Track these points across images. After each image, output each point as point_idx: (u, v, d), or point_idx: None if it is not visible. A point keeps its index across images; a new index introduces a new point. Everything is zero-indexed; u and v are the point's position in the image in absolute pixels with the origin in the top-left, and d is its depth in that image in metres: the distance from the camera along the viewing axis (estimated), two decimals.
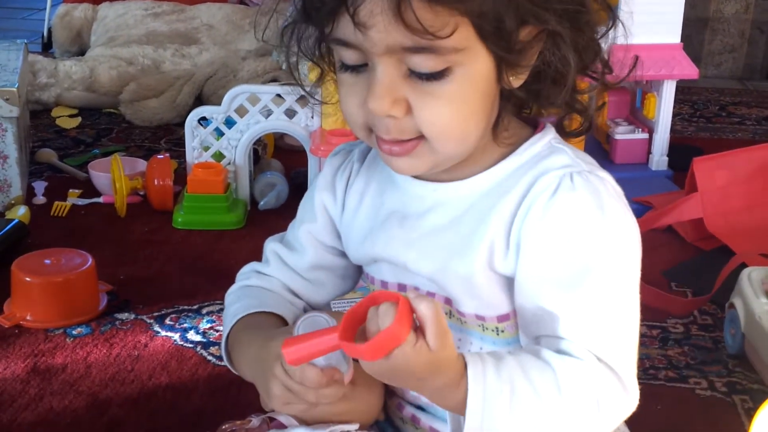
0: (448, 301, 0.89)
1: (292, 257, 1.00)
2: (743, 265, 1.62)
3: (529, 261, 0.82)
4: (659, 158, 2.29)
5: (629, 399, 0.81)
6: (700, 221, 1.91)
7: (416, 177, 0.89)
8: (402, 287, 0.92)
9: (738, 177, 1.94)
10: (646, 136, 2.30)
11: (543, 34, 0.80)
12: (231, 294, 1.02)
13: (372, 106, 0.79)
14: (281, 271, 1.01)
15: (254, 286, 1.00)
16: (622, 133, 2.28)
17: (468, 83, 0.79)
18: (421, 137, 0.81)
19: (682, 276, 1.80)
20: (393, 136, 0.81)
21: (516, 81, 0.82)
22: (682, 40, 2.26)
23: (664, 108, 2.26)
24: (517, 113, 0.88)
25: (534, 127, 0.90)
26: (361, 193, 0.94)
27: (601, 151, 2.33)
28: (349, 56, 0.79)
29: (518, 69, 0.81)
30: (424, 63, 0.77)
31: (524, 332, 0.86)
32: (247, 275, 1.03)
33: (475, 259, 0.84)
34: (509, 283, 0.85)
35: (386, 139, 0.82)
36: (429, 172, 0.85)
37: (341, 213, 0.96)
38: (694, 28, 3.43)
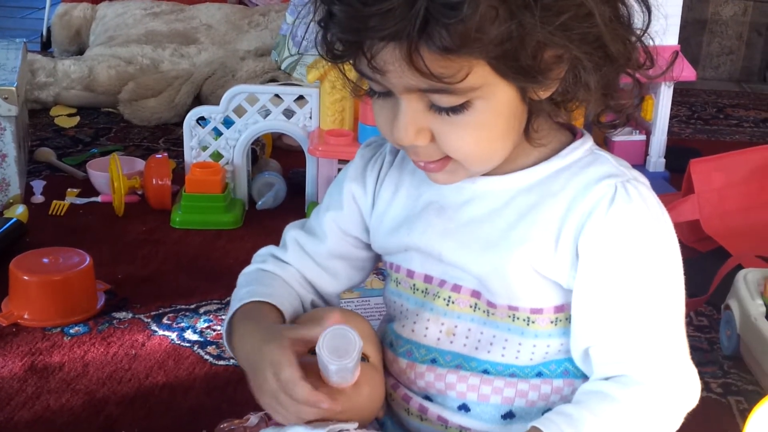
0: (475, 293, 0.91)
1: (312, 243, 1.02)
2: (739, 267, 1.62)
3: (590, 272, 0.86)
4: (656, 160, 2.30)
5: (693, 394, 0.87)
6: (697, 223, 1.91)
7: None
8: (429, 278, 0.94)
9: (735, 179, 1.95)
10: (643, 137, 2.30)
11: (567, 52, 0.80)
12: (244, 275, 1.03)
13: (396, 136, 0.83)
14: (298, 258, 1.02)
15: (268, 272, 1.02)
16: (620, 135, 2.28)
17: (490, 112, 0.81)
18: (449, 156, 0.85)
19: None
20: (422, 159, 0.86)
21: (545, 93, 0.83)
22: (680, 42, 2.26)
23: (661, 110, 2.26)
24: (550, 116, 0.89)
25: (571, 131, 0.92)
26: (396, 183, 0.96)
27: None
28: (375, 85, 0.83)
29: (546, 83, 0.82)
30: (443, 100, 0.80)
31: (576, 336, 0.89)
32: (263, 257, 1.04)
33: (512, 252, 0.87)
34: (549, 283, 0.88)
35: (416, 160, 0.87)
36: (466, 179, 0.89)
37: (371, 204, 0.98)
38: (692, 30, 3.44)
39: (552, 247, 0.87)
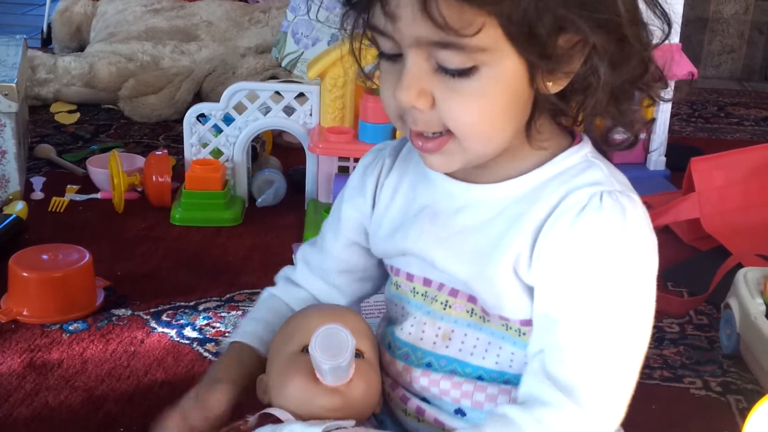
0: (472, 299, 0.90)
1: (317, 260, 1.04)
2: (739, 266, 1.62)
3: (544, 274, 0.84)
4: (657, 158, 2.29)
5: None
6: (697, 221, 1.91)
7: (449, 175, 0.90)
8: (428, 281, 0.93)
9: (735, 177, 1.94)
10: (643, 135, 2.29)
11: (586, 43, 0.79)
12: (260, 298, 1.07)
13: (398, 95, 0.81)
14: (305, 278, 1.05)
15: (277, 297, 1.05)
16: (620, 133, 2.28)
17: (495, 83, 0.79)
18: (449, 133, 0.82)
19: (679, 276, 1.80)
20: (420, 128, 0.83)
21: (554, 87, 0.81)
22: (681, 41, 2.26)
23: (662, 108, 2.26)
24: (554, 117, 0.87)
25: (573, 136, 0.90)
26: (394, 187, 0.96)
27: (599, 151, 2.33)
28: (385, 44, 0.81)
29: (557, 75, 0.80)
30: (451, 59, 0.78)
31: (532, 339, 0.86)
32: (278, 279, 1.08)
33: (501, 263, 0.85)
34: (532, 292, 0.86)
35: (415, 131, 0.84)
36: (462, 168, 0.86)
37: (371, 209, 0.98)
38: (694, 29, 3.44)
39: (529, 254, 0.84)
